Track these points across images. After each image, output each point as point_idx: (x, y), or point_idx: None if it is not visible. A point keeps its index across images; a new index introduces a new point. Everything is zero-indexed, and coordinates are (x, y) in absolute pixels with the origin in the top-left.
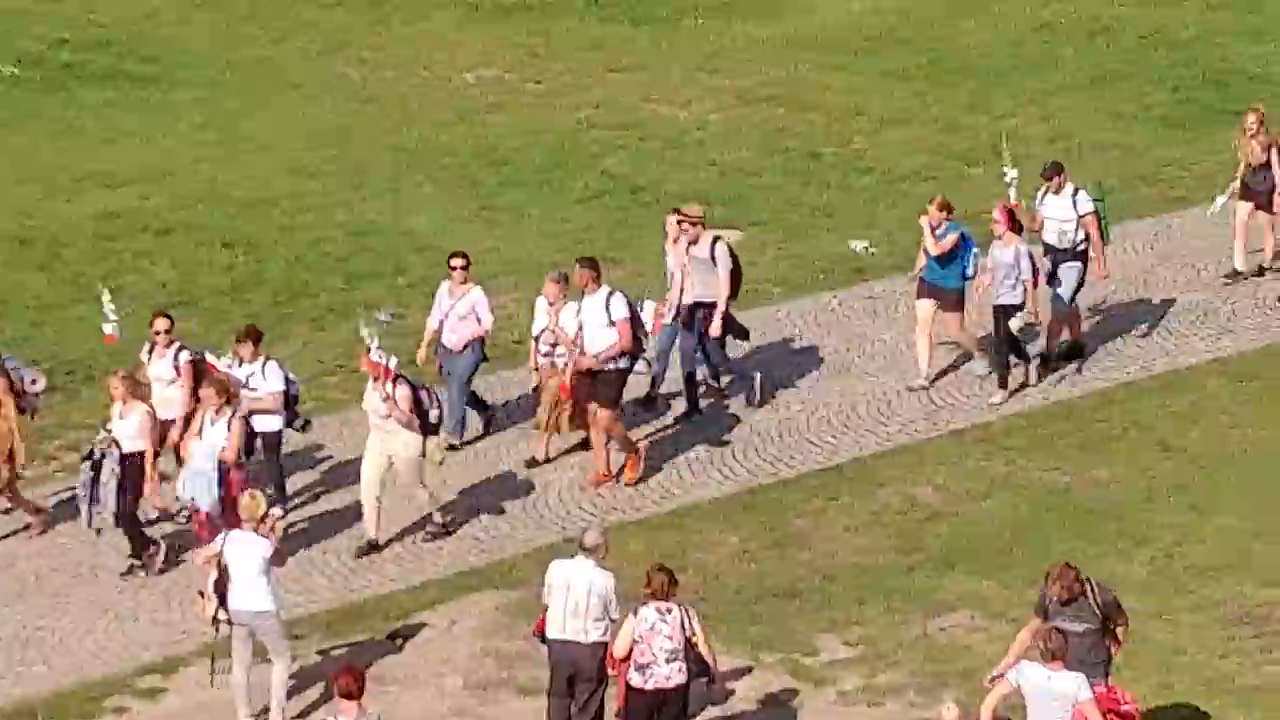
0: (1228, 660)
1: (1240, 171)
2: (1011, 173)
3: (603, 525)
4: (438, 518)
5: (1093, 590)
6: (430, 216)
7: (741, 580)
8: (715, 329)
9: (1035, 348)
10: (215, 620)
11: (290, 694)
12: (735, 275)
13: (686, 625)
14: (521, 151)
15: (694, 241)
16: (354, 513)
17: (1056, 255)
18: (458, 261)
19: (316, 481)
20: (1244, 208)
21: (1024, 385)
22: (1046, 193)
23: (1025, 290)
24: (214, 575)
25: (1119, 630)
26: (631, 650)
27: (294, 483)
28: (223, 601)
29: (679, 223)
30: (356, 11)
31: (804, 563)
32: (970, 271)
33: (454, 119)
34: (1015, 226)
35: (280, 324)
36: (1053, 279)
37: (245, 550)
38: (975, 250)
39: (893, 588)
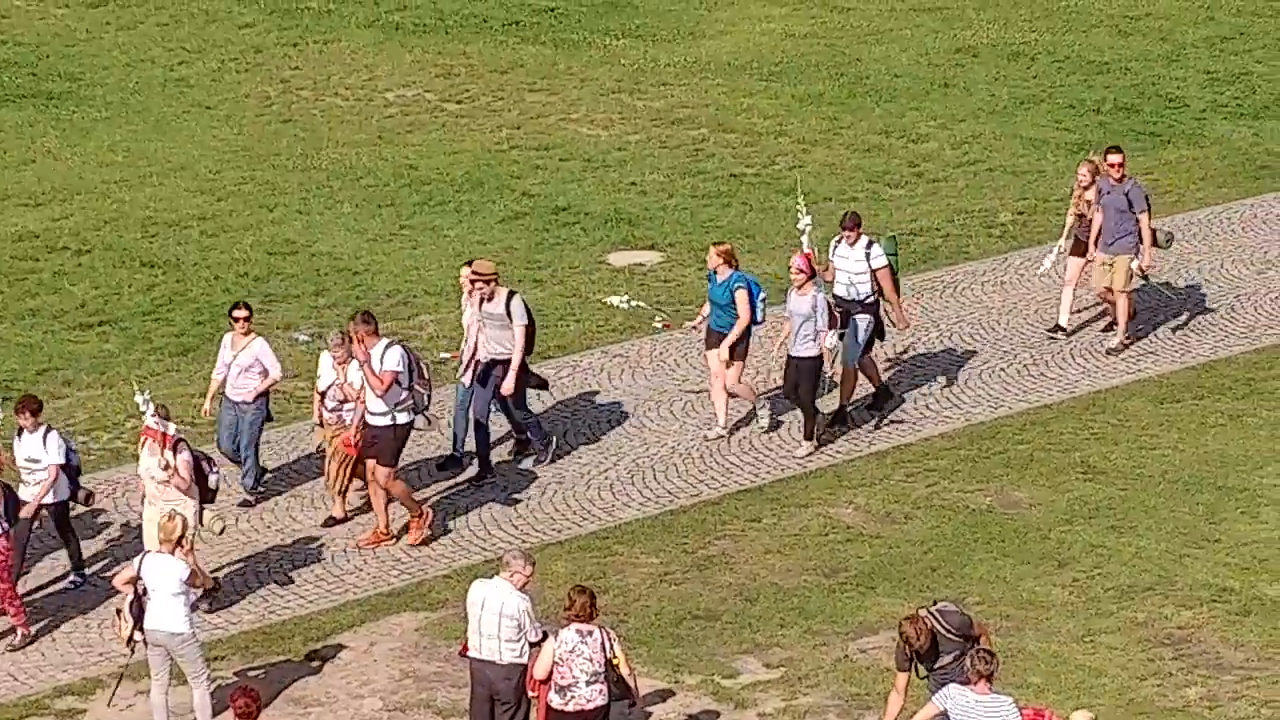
0: (1148, 682)
1: (1070, 225)
2: (805, 220)
3: (524, 547)
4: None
5: (940, 623)
6: (348, 237)
7: (662, 602)
8: (508, 387)
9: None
10: (131, 641)
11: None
12: (530, 331)
13: (607, 647)
14: (441, 171)
15: (489, 298)
16: (270, 531)
17: (847, 307)
18: (240, 313)
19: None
20: (1075, 263)
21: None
22: (840, 243)
23: (822, 340)
24: (130, 596)
25: (983, 640)
26: (552, 672)
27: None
28: (139, 622)
29: (472, 280)
30: (271, 31)
31: (725, 585)
32: (760, 318)
33: (372, 139)
34: (814, 276)
35: (202, 344)
36: (844, 332)
37: (162, 571)
38: (763, 296)
39: (814, 609)
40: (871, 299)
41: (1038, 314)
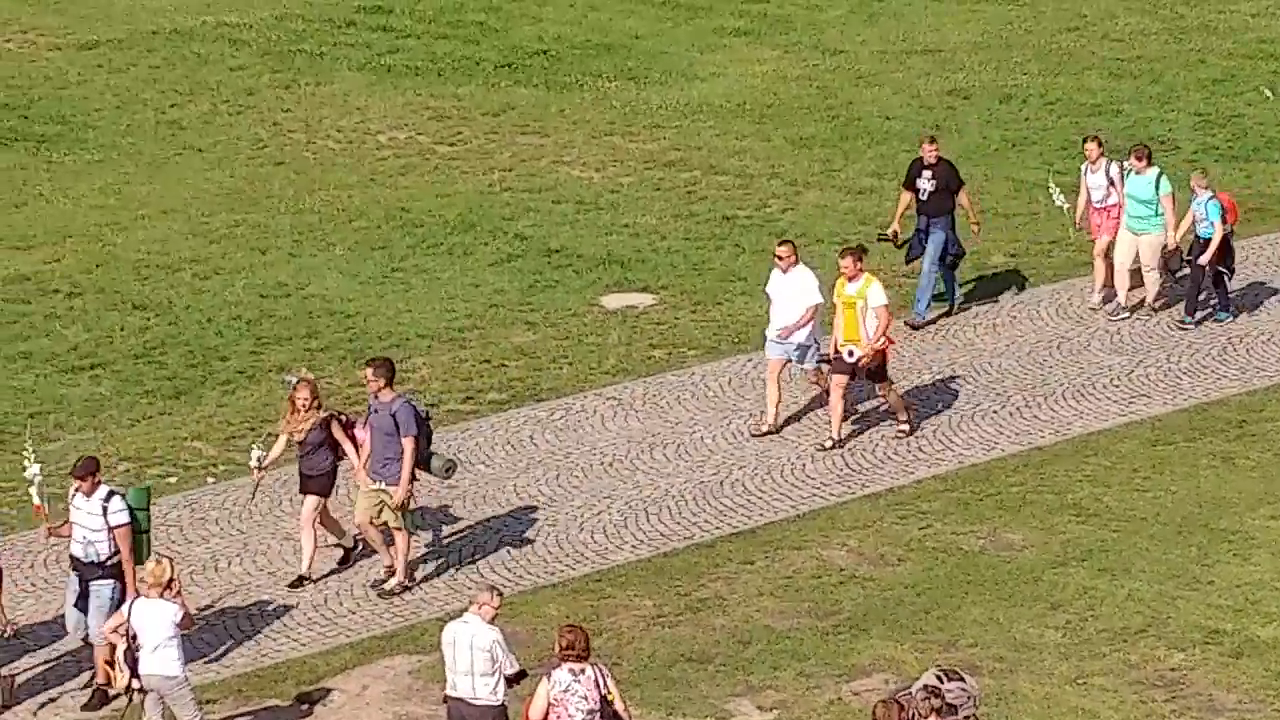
0: None
1: (278, 451)
2: (33, 469)
3: (498, 584)
4: None
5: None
6: (340, 279)
7: (656, 645)
8: None
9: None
10: (129, 689)
11: None
12: None
13: (601, 683)
14: (433, 214)
15: None
16: (263, 574)
17: (84, 570)
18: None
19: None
20: (310, 503)
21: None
22: (76, 493)
23: None
24: (123, 644)
25: None
26: (547, 714)
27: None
28: (135, 670)
29: None
30: (264, 74)
31: (718, 627)
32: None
33: (364, 181)
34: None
35: (195, 387)
36: (82, 599)
37: (153, 615)
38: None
39: (807, 652)
40: (113, 561)
41: (1030, 355)
